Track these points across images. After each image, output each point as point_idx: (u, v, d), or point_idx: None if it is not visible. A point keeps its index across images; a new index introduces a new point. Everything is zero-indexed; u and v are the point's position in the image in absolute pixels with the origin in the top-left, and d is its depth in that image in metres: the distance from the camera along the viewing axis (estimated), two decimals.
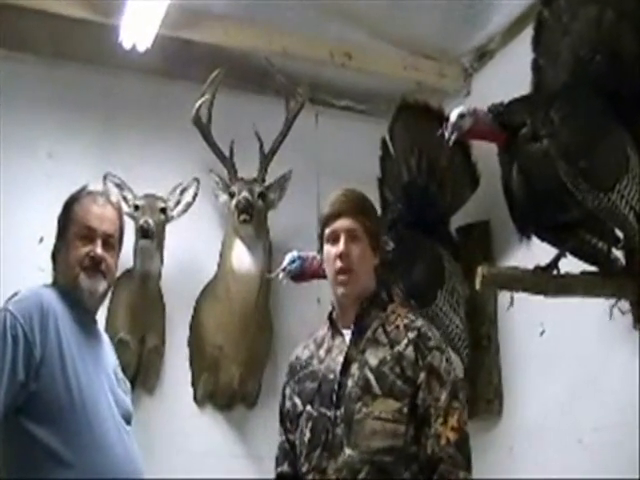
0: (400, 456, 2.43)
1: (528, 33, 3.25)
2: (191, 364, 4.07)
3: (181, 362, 4.06)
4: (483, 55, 4.26)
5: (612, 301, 3.13)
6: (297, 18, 4.06)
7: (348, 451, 2.43)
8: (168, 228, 3.95)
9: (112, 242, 2.68)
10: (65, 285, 2.62)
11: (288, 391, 2.66)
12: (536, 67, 3.25)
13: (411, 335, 2.51)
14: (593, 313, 3.23)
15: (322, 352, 2.61)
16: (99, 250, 2.62)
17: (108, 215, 2.70)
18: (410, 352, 2.48)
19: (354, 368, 2.50)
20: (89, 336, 2.63)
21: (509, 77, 3.75)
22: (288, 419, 2.63)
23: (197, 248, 4.16)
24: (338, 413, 2.47)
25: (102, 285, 2.64)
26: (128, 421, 2.64)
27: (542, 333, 3.61)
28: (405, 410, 2.44)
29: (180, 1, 3.72)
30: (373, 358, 2.50)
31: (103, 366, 2.64)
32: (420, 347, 2.49)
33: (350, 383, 2.48)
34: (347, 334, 2.57)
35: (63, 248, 2.66)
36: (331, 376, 2.52)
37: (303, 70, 4.28)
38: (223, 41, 4.06)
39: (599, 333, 3.31)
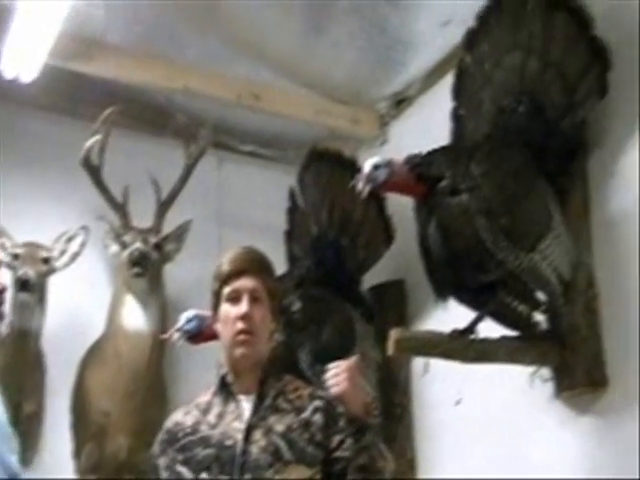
0: None
1: (449, 80, 3.35)
2: (73, 433, 4.04)
3: (63, 431, 4.02)
4: (401, 102, 4.30)
5: (533, 368, 3.19)
6: (201, 53, 4.07)
7: None
8: (51, 280, 3.93)
9: None
10: None
11: (164, 461, 2.65)
12: (456, 116, 3.36)
13: (317, 403, 2.62)
14: (514, 381, 3.28)
15: (212, 417, 2.65)
16: None
17: None
18: (318, 418, 2.58)
19: (258, 434, 2.56)
20: None
21: (428, 126, 3.84)
22: None
23: (83, 303, 4.15)
24: None
25: None
26: None
27: (458, 402, 3.66)
28: (317, 477, 2.53)
29: (71, 27, 3.63)
30: (279, 424, 2.58)
31: None
32: (329, 414, 2.60)
33: (255, 450, 2.54)
34: (243, 400, 2.64)
35: None
36: (229, 442, 2.57)
37: (206, 111, 4.28)
38: (118, 75, 4.03)
39: (520, 402, 3.36)
